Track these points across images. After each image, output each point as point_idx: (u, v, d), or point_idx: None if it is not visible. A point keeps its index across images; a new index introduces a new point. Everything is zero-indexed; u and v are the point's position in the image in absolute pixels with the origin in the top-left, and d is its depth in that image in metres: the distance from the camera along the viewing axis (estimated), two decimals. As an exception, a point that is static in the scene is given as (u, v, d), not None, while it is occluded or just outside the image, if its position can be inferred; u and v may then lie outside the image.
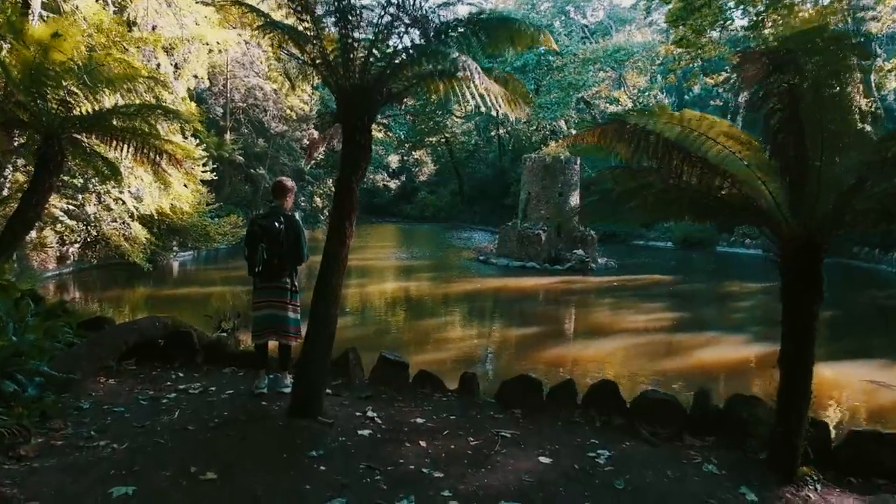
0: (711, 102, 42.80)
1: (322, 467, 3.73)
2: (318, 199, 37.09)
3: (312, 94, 30.16)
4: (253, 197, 27.65)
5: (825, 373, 9.96)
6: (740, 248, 34.69)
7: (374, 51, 4.19)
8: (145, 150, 7.45)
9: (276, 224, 4.89)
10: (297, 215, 5.16)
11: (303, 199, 33.83)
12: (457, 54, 3.72)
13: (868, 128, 4.02)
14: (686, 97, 48.05)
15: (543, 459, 4.09)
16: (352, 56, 4.21)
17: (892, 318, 17.08)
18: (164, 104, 7.74)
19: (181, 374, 5.31)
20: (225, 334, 6.27)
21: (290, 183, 5.28)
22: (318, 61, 4.28)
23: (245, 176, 27.86)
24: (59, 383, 4.39)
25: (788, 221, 3.98)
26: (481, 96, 4.16)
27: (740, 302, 18.55)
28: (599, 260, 25.40)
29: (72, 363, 4.67)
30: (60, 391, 4.43)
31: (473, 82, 3.87)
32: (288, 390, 4.87)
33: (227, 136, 25.96)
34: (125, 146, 7.34)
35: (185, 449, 3.87)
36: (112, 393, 4.81)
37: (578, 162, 26.85)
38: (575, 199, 26.22)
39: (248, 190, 27.64)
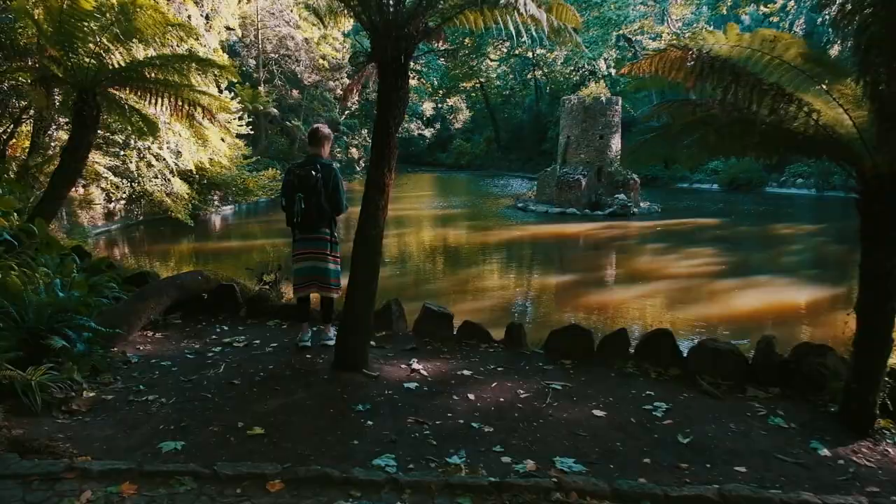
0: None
1: (369, 422, 3.64)
2: (353, 150, 36.91)
3: (344, 41, 29.55)
4: (289, 149, 27.59)
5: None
6: (791, 188, 33.27)
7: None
8: (180, 104, 7.33)
9: (314, 173, 4.69)
10: (334, 164, 4.95)
11: (338, 150, 33.68)
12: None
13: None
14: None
15: (597, 413, 3.92)
16: (385, -13, 3.89)
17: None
18: (196, 54, 7.54)
19: (225, 328, 5.28)
20: (267, 287, 6.21)
21: (326, 130, 5.03)
22: (348, -6, 3.98)
23: (280, 128, 27.78)
24: (107, 338, 4.40)
25: (872, 155, 3.58)
26: (526, 27, 3.82)
27: (791, 245, 17.80)
28: (642, 204, 24.71)
29: (118, 318, 4.67)
30: (109, 346, 4.45)
31: (519, 10, 3.52)
32: (332, 343, 4.78)
33: (261, 89, 25.78)
34: (160, 100, 7.23)
35: (231, 404, 3.83)
36: (159, 347, 4.82)
37: (619, 103, 25.85)
38: (616, 142, 25.33)
39: (284, 142, 27.60)
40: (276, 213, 24.20)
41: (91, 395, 3.87)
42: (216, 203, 21.13)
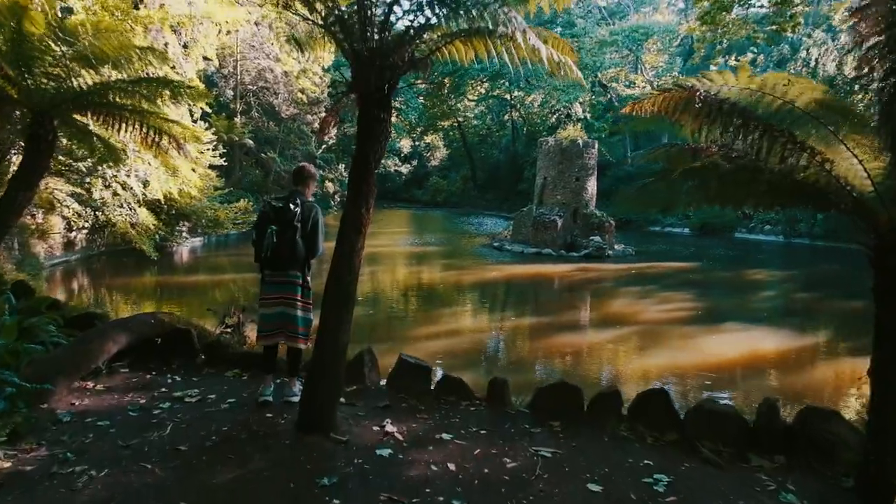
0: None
1: (336, 501, 3.16)
2: (329, 185, 36.52)
3: (324, 76, 29.48)
4: (264, 182, 27.11)
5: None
6: (760, 234, 33.87)
7: (396, 7, 3.55)
8: (145, 131, 6.90)
9: (292, 206, 4.36)
10: (317, 204, 4.62)
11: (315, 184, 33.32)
12: (497, 6, 3.07)
13: None
14: (705, 79, 46.87)
15: (593, 487, 3.50)
16: (369, 14, 3.57)
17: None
18: (166, 78, 7.14)
19: (178, 379, 4.75)
20: (229, 332, 5.71)
21: (312, 169, 4.73)
22: (330, 20, 3.65)
23: (256, 160, 27.33)
24: (35, 394, 3.85)
25: (889, 208, 3.34)
26: (521, 60, 3.53)
27: (761, 291, 17.82)
28: (616, 247, 24.73)
29: (53, 368, 4.13)
30: (37, 403, 3.89)
31: (517, 41, 3.22)
32: (296, 399, 4.31)
33: (237, 120, 25.40)
34: (125, 126, 6.79)
35: (175, 476, 3.31)
36: (98, 402, 4.26)
37: (595, 146, 26.10)
38: (592, 184, 25.47)
39: (258, 174, 27.12)
40: (247, 246, 23.61)
41: (6, 465, 3.31)
42: (184, 234, 20.44)
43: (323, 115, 30.86)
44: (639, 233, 33.43)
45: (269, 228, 4.33)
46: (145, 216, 16.82)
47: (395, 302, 14.69)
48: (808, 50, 32.68)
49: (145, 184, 16.37)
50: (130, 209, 16.60)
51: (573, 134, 25.84)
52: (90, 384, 4.50)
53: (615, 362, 9.64)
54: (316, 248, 4.46)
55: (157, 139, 7.04)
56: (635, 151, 43.15)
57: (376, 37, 3.63)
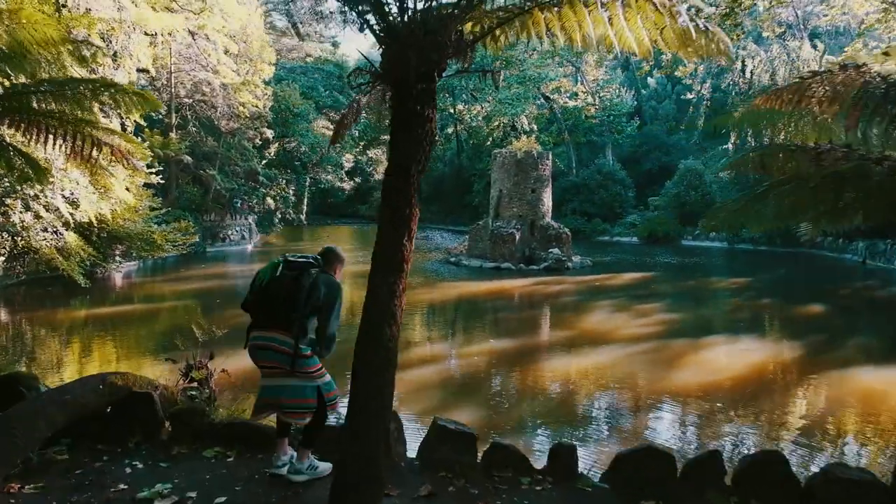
0: (683, 96, 42.51)
1: None
2: (270, 201, 34.82)
3: (265, 88, 28.04)
4: (203, 200, 25.37)
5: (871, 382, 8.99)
6: (705, 241, 34.53)
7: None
8: (79, 143, 5.67)
9: (310, 270, 3.52)
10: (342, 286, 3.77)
11: (255, 200, 31.57)
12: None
13: None
14: (643, 91, 47.89)
15: None
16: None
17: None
18: (105, 80, 5.93)
19: (140, 465, 3.56)
20: (196, 390, 4.56)
21: (341, 253, 3.89)
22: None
23: (193, 177, 25.55)
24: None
25: None
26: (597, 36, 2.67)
27: (729, 299, 17.73)
28: (574, 258, 24.38)
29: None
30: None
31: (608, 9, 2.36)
32: (301, 479, 3.28)
33: (173, 135, 23.65)
34: (51, 138, 5.55)
35: None
36: (29, 511, 3.08)
37: (550, 157, 25.79)
38: (548, 196, 25.10)
39: (196, 192, 25.34)
40: (188, 268, 22.04)
41: None
42: (118, 259, 18.62)
43: (264, 129, 29.36)
44: (587, 243, 33.44)
45: (274, 261, 3.58)
46: (74, 240, 15.07)
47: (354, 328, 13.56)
48: (743, 61, 33.63)
49: (73, 204, 14.64)
50: (56, 233, 14.82)
51: (527, 145, 25.41)
52: (15, 486, 3.27)
53: (628, 389, 8.90)
54: (326, 330, 3.54)
55: (92, 153, 5.82)
56: (579, 162, 43.59)
57: (419, 13, 2.69)
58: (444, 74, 2.78)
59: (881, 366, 10.21)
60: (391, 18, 2.69)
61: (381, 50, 2.77)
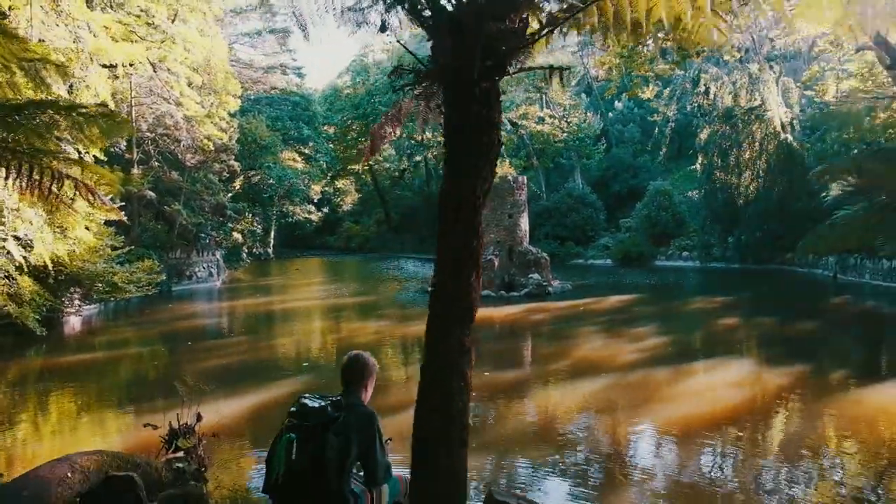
0: (650, 118, 43.19)
1: None
2: (237, 235, 33.83)
3: (231, 121, 27.29)
4: (167, 236, 24.28)
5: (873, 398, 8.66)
6: (678, 260, 34.72)
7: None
8: (36, 176, 4.95)
9: (325, 411, 2.62)
10: (374, 414, 2.83)
11: (222, 235, 30.54)
12: None
13: None
14: (609, 114, 48.59)
15: None
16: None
17: (883, 327, 16.41)
18: (70, 101, 5.23)
19: (122, 573, 2.87)
20: (182, 462, 3.83)
21: (371, 361, 3.00)
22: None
23: (157, 213, 24.48)
24: None
25: None
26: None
27: (718, 320, 17.46)
28: (554, 283, 24.01)
29: None
30: None
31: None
32: None
33: (135, 170, 22.65)
34: (6, 171, 4.83)
35: None
36: None
37: (525, 181, 25.55)
38: (524, 221, 24.78)
39: (161, 229, 24.26)
40: (153, 311, 20.86)
41: None
42: (76, 302, 17.47)
43: (231, 162, 28.52)
44: (562, 267, 33.22)
45: (286, 437, 2.58)
46: (27, 285, 13.97)
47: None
48: (706, 84, 34.28)
49: (27, 247, 13.58)
50: (8, 278, 13.72)
51: (502, 170, 25.14)
52: None
53: (646, 422, 8.35)
54: (374, 474, 2.66)
55: (52, 187, 5.11)
56: (549, 187, 43.74)
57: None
58: (510, 71, 2.21)
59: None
60: (450, 2, 2.13)
61: (431, 43, 2.19)
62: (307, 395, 2.70)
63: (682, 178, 40.34)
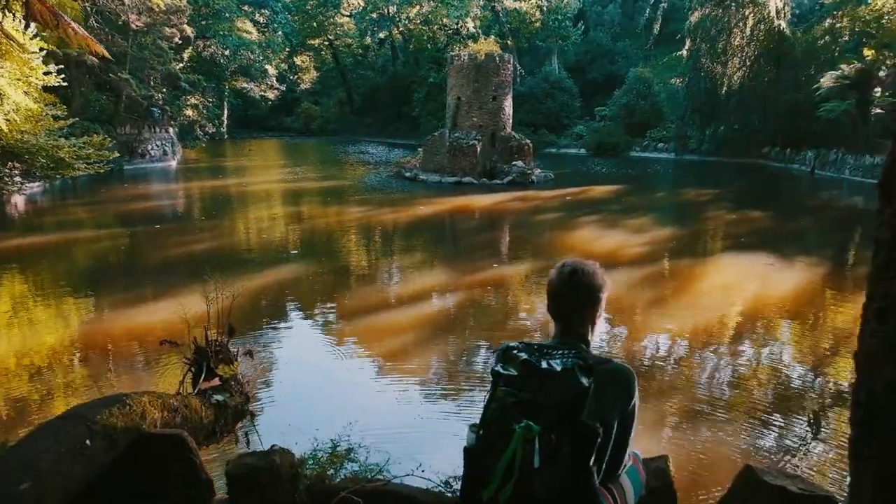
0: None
1: None
2: (190, 112, 30.87)
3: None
4: (115, 109, 21.78)
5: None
6: (653, 152, 34.06)
7: None
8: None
9: (573, 378, 1.47)
10: (624, 365, 1.64)
11: (176, 110, 27.83)
12: None
13: None
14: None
15: None
16: None
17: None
18: None
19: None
20: (222, 394, 2.78)
21: (601, 273, 1.70)
22: None
23: (101, 83, 21.76)
24: None
25: None
26: None
27: (711, 212, 17.03)
28: (536, 171, 22.98)
29: None
30: None
31: None
32: None
33: (73, 29, 19.66)
34: None
35: None
36: None
37: (511, 60, 23.67)
38: (509, 104, 23.21)
39: (107, 101, 21.68)
40: (108, 188, 18.92)
41: None
42: (17, 179, 15.53)
43: (184, 25, 25.39)
44: (536, 155, 32.13)
45: (516, 427, 1.44)
46: (-41, 158, 12.06)
47: (341, 254, 11.71)
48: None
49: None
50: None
51: (487, 47, 23.14)
52: None
53: (699, 334, 7.68)
54: (621, 456, 1.62)
55: None
56: (523, 71, 41.46)
57: None
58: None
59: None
60: None
61: None
62: (517, 343, 1.60)
63: (663, 66, 38.69)
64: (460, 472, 1.63)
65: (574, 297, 1.59)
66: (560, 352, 1.51)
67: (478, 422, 1.53)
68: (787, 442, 4.60)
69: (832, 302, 8.57)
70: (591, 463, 1.40)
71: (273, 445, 2.14)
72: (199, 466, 2.00)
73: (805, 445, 4.58)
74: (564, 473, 1.37)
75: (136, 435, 1.93)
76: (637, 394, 1.54)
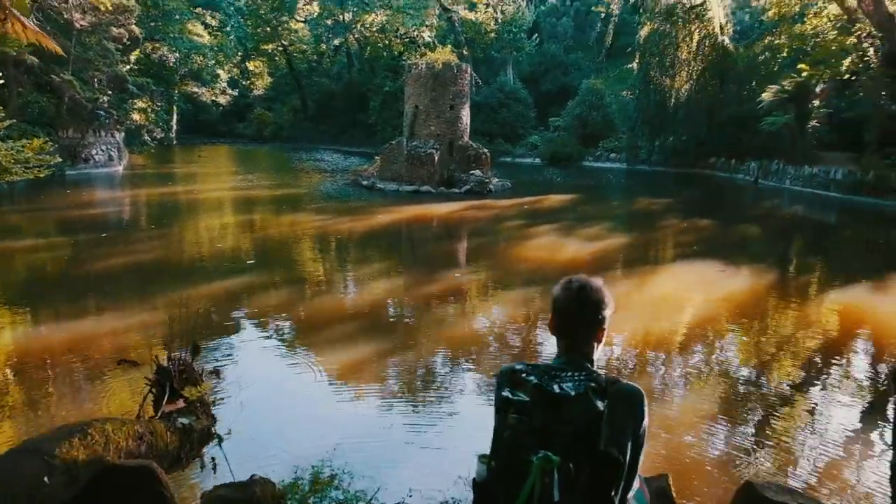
0: (587, 11, 41.42)
1: None
2: (137, 116, 29.78)
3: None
4: (56, 111, 20.85)
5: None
6: (606, 162, 34.71)
7: None
8: None
9: (588, 402, 1.43)
10: (634, 387, 1.54)
11: (121, 113, 26.79)
12: None
13: None
14: (542, 7, 46.35)
15: None
16: None
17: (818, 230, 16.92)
18: None
19: None
20: (187, 416, 2.63)
21: (605, 289, 1.64)
22: None
23: (40, 83, 20.79)
24: None
25: None
26: None
27: (663, 220, 17.41)
28: (494, 181, 23.12)
29: None
30: None
31: None
32: None
33: (10, 26, 18.73)
34: None
35: None
36: None
37: (469, 70, 23.78)
38: (466, 113, 23.30)
39: (47, 102, 20.72)
40: (50, 195, 18.05)
41: None
42: (-52, 186, 14.62)
43: (132, 25, 24.57)
44: (492, 164, 32.38)
45: (533, 458, 1.36)
46: None
47: (298, 264, 11.44)
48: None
49: None
50: None
51: (445, 56, 23.19)
52: None
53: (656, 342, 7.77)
54: (631, 484, 1.50)
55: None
56: (478, 78, 41.72)
57: None
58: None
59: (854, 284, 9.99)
60: None
61: None
62: (522, 365, 1.54)
63: (614, 78, 39.64)
64: (451, 496, 1.55)
65: (582, 314, 1.55)
66: (569, 374, 1.45)
67: (487, 452, 1.44)
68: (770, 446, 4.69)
69: (782, 308, 8.86)
70: (613, 493, 1.34)
71: (253, 475, 2.00)
72: (170, 500, 1.86)
73: (762, 449, 4.68)
74: (584, 503, 1.31)
75: (99, 468, 1.77)
76: (647, 415, 1.49)
